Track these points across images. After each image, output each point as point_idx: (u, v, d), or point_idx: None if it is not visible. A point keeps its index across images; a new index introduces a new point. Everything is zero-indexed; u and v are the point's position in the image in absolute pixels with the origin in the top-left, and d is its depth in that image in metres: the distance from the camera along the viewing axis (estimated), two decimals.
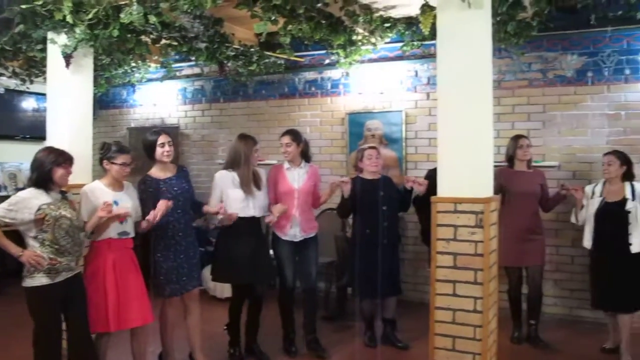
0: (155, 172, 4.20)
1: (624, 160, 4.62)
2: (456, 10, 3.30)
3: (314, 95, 6.85)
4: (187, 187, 4.30)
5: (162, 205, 3.89)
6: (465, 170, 3.37)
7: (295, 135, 4.80)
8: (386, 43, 6.09)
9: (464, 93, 3.37)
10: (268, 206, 4.65)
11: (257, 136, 6.73)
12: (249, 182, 4.46)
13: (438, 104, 3.49)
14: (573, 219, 4.89)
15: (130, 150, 4.00)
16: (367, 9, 5.42)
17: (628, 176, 4.61)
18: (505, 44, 5.10)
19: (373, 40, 5.89)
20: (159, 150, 4.12)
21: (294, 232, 4.73)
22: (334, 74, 6.67)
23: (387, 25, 5.80)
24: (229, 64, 6.27)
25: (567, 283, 5.69)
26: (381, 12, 5.65)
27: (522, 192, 4.95)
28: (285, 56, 6.05)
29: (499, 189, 5.00)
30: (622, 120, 5.50)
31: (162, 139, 4.13)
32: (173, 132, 7.45)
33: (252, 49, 6.13)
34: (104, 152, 3.89)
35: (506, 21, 4.60)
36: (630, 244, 4.40)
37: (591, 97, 5.61)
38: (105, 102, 8.36)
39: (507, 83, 5.90)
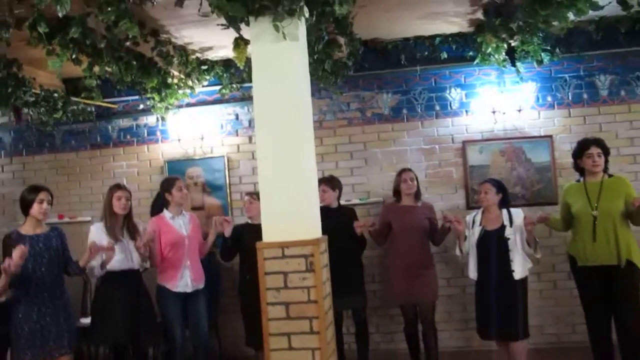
0: (25, 228, 4.06)
1: (499, 187, 4.64)
2: (270, 42, 3.17)
3: (129, 144, 6.36)
4: (57, 247, 4.11)
5: (18, 251, 3.67)
6: (290, 212, 3.19)
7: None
8: (204, 86, 5.91)
9: (284, 129, 3.24)
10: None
11: (66, 191, 6.29)
12: (113, 230, 4.31)
13: (257, 143, 3.30)
14: (457, 252, 4.74)
15: None
16: (183, 50, 5.20)
17: (504, 203, 4.62)
18: (324, 83, 5.13)
19: (190, 83, 5.66)
20: (35, 206, 3.99)
21: (185, 283, 4.58)
22: (150, 120, 6.26)
23: (204, 67, 5.65)
24: (29, 111, 5.63)
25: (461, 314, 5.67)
26: (197, 54, 5.47)
27: (408, 226, 4.87)
28: (94, 102, 5.56)
29: (385, 225, 5.00)
30: (436, 153, 5.77)
31: (41, 195, 4.01)
32: None
33: (55, 94, 5.57)
34: None
35: (323, 60, 4.62)
36: (513, 271, 4.36)
37: (407, 133, 5.83)
38: None
39: (328, 123, 5.95)
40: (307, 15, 3.15)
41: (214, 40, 5.04)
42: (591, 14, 4.29)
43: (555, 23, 4.07)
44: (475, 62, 5.41)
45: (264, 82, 3.29)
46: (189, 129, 6.16)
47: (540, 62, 5.26)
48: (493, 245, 4.45)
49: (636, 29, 5.33)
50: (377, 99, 5.90)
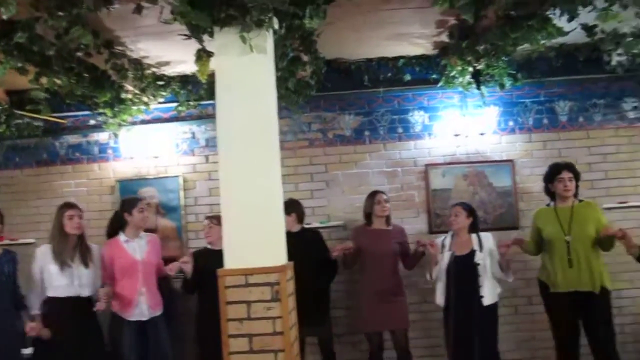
0: None
1: (470, 211, 4.60)
2: (236, 54, 2.98)
3: (78, 162, 5.99)
4: (9, 273, 4.00)
5: None
6: (254, 237, 2.97)
7: None
8: (160, 103, 5.63)
9: (249, 147, 3.04)
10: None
11: (9, 211, 5.84)
12: (61, 253, 4.09)
13: (219, 162, 3.09)
14: (427, 277, 4.66)
15: None
16: (138, 64, 4.96)
17: (474, 228, 4.58)
18: (286, 102, 4.95)
19: (145, 99, 5.42)
20: None
21: (140, 311, 4.30)
22: (101, 137, 5.93)
23: (160, 83, 5.42)
24: None
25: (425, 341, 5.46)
26: (153, 69, 5.24)
27: (380, 251, 4.73)
28: (41, 116, 5.23)
29: (356, 250, 4.81)
30: (399, 177, 5.66)
31: None
32: None
33: None
34: None
35: (287, 77, 4.46)
36: (482, 297, 4.31)
37: (370, 155, 5.69)
38: None
39: (289, 143, 5.73)
40: (276, 27, 2.98)
41: (171, 54, 4.83)
42: (552, 40, 4.29)
43: (525, 46, 4.04)
44: (439, 85, 5.34)
45: (228, 97, 3.08)
46: (142, 147, 5.85)
47: (502, 87, 5.23)
48: (462, 271, 4.38)
49: (593, 57, 5.38)
50: (339, 120, 5.75)
